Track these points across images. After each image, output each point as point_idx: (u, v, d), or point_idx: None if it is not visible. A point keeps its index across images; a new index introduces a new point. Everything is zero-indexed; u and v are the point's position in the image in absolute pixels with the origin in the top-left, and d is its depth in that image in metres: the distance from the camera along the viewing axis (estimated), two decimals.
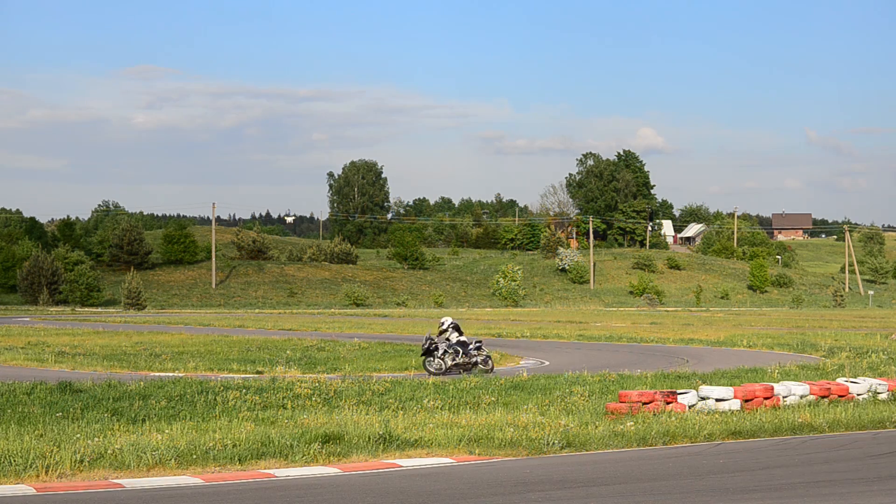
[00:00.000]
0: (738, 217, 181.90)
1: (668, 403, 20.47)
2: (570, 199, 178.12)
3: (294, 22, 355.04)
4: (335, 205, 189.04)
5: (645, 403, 20.24)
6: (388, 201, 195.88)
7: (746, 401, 21.34)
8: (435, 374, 29.53)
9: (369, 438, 16.93)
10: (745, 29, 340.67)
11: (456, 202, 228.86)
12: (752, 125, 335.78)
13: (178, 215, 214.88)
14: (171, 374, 27.61)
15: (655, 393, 20.55)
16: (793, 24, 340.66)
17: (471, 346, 30.88)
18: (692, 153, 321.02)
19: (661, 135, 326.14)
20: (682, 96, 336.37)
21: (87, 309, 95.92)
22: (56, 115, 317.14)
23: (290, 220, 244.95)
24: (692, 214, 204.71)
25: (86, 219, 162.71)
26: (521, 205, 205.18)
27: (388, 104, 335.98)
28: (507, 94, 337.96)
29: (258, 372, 29.23)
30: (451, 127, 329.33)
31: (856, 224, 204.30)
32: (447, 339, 30.98)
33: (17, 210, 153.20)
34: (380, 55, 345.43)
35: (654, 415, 19.91)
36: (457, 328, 31.36)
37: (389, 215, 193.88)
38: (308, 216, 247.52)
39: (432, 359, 30.45)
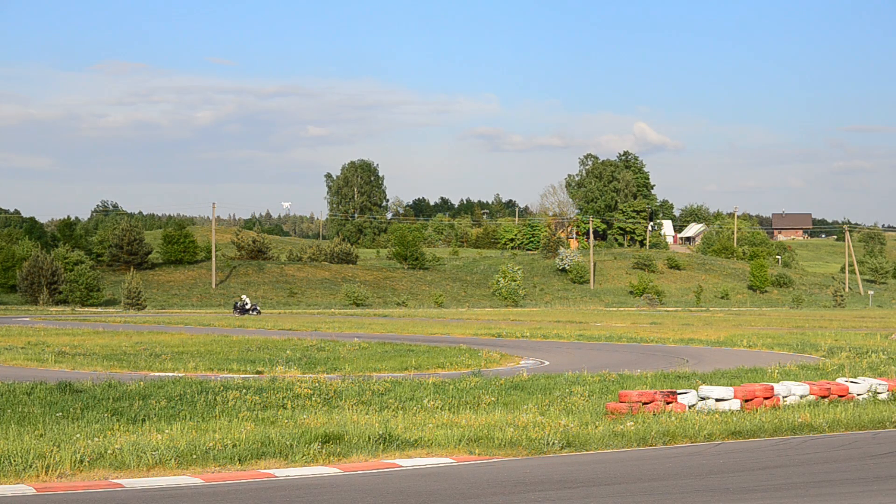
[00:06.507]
0: (738, 217, 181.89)
1: (668, 403, 20.46)
2: (570, 199, 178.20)
3: (292, 21, 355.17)
4: (334, 205, 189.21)
5: (645, 403, 20.22)
6: (387, 199, 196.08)
7: (746, 401, 21.33)
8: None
9: (369, 438, 16.91)
10: (746, 28, 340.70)
11: (455, 202, 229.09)
12: (752, 123, 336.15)
13: (178, 215, 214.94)
14: (171, 374, 27.61)
15: (655, 393, 20.54)
16: (794, 22, 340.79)
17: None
18: (692, 152, 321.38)
19: (661, 133, 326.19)
20: (682, 95, 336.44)
21: (87, 309, 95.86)
22: (48, 113, 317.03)
23: (294, 213, 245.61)
24: (692, 214, 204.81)
25: (85, 219, 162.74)
26: (521, 203, 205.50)
27: (389, 104, 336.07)
28: (497, 90, 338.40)
29: (258, 372, 29.22)
30: (447, 124, 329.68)
31: (856, 224, 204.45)
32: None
33: (16, 210, 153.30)
34: (379, 54, 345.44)
35: (654, 415, 19.90)
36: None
37: (389, 215, 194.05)
38: (308, 216, 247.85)
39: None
